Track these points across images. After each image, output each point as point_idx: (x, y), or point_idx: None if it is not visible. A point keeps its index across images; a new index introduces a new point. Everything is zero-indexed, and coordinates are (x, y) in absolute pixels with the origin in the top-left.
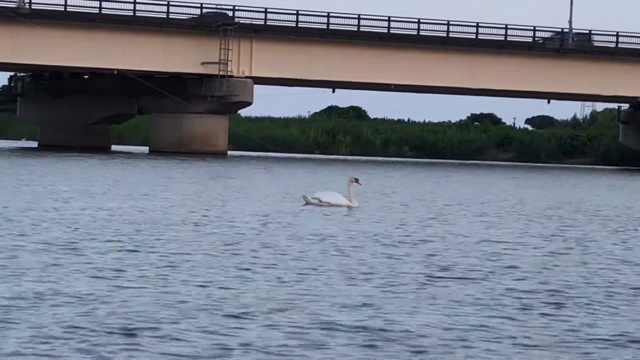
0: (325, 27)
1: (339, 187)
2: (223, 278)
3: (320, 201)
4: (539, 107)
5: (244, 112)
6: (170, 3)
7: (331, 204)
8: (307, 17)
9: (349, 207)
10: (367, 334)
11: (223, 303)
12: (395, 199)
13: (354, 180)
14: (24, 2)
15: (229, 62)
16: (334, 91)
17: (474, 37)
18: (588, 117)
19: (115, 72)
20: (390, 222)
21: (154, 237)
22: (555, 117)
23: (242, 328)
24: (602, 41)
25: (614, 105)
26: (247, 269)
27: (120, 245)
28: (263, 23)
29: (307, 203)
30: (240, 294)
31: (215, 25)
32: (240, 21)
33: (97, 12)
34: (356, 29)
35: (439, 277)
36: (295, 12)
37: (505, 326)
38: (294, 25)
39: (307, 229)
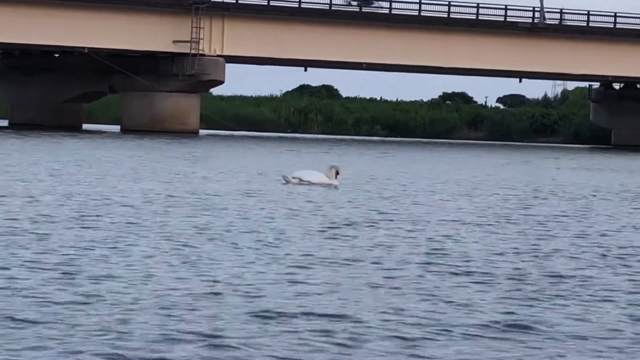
0: (297, 6)
1: (316, 166)
2: (191, 259)
3: (301, 180)
4: (511, 86)
5: (215, 91)
6: None
7: (312, 182)
8: None
9: (330, 186)
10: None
11: (193, 284)
12: (370, 178)
13: (335, 169)
14: None
15: (201, 41)
16: (306, 70)
17: (446, 15)
18: (559, 95)
19: (86, 51)
20: (361, 201)
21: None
22: (527, 96)
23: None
24: (573, 20)
25: (585, 84)
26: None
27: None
28: (235, 1)
29: (287, 182)
30: (205, 275)
31: (186, 4)
32: None
33: None
34: (328, 8)
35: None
36: None
37: (446, 314)
38: (266, 3)
39: (285, 208)
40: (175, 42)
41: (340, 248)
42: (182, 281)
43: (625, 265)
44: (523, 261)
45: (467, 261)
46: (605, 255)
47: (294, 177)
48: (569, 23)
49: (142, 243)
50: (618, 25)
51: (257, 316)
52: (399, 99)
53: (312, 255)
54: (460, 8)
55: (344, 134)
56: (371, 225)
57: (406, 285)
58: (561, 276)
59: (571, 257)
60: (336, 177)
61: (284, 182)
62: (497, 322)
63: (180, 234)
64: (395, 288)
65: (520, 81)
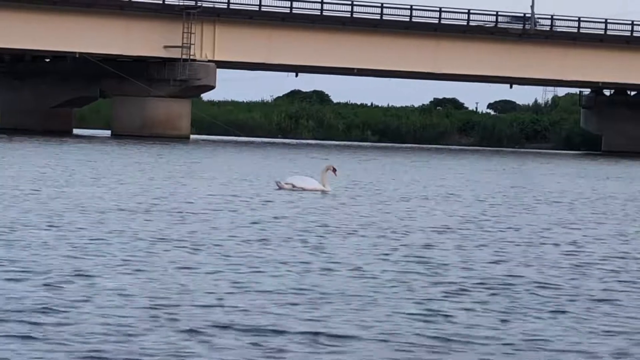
0: (288, 12)
1: (308, 172)
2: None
3: (294, 186)
4: (501, 92)
5: (206, 96)
6: None
7: (305, 189)
8: (270, 0)
9: (323, 192)
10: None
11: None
12: (361, 184)
13: (331, 168)
14: None
15: (192, 46)
16: (297, 75)
17: (437, 21)
18: (550, 102)
19: (77, 56)
20: (349, 208)
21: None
22: (517, 102)
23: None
24: (563, 26)
25: (576, 90)
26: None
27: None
28: (226, 7)
29: (280, 188)
30: (182, 283)
31: (178, 9)
32: (203, 5)
33: None
34: (319, 14)
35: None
36: None
37: (424, 325)
38: (257, 9)
39: (277, 214)
40: (166, 47)
41: (321, 255)
42: (142, 290)
43: (608, 274)
44: (502, 270)
45: (446, 270)
46: (585, 264)
47: (286, 183)
48: (559, 29)
49: (114, 249)
50: (608, 32)
51: (226, 328)
52: (390, 105)
53: (287, 262)
54: (451, 14)
55: (335, 140)
56: (353, 233)
57: (383, 296)
58: (542, 286)
59: (552, 266)
60: (334, 173)
61: (276, 188)
62: (475, 333)
63: (160, 241)
64: (371, 297)
65: (511, 87)
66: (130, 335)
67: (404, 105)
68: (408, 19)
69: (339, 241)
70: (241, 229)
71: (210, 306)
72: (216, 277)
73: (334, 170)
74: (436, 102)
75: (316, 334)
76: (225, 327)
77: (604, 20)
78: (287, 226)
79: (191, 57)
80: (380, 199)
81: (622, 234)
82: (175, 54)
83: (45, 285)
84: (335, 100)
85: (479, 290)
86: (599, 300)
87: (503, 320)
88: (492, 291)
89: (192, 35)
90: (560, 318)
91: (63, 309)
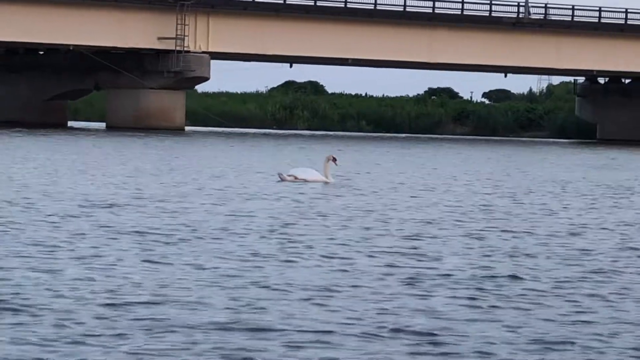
0: (282, 2)
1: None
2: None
3: (296, 178)
4: (496, 81)
5: (201, 88)
6: None
7: (307, 180)
8: None
9: (326, 183)
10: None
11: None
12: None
13: (331, 158)
14: None
15: (186, 38)
16: (291, 66)
17: (431, 11)
18: (544, 90)
19: (71, 48)
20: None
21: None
22: (512, 91)
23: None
24: (557, 15)
25: (570, 79)
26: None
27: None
28: None
29: (282, 180)
30: (166, 277)
31: (171, 0)
32: None
33: None
34: (313, 4)
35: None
36: None
37: (409, 318)
38: (251, 0)
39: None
40: (160, 38)
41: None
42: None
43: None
44: (491, 261)
45: (434, 262)
46: (574, 255)
47: (289, 175)
48: (553, 18)
49: (88, 243)
50: (602, 20)
51: (206, 325)
52: (385, 95)
53: (263, 254)
54: (445, 3)
55: (329, 130)
56: (345, 224)
57: (368, 289)
58: (529, 277)
59: (537, 257)
60: (335, 163)
61: (279, 180)
62: (459, 327)
63: (147, 233)
64: (356, 290)
65: (505, 76)
66: (93, 336)
67: (398, 95)
68: (402, 9)
69: (329, 233)
70: (235, 222)
71: (190, 302)
72: (199, 271)
73: (334, 160)
74: (431, 92)
75: (300, 329)
76: (204, 324)
77: (597, 9)
78: (284, 218)
79: (185, 48)
80: (376, 189)
81: (612, 223)
82: (169, 45)
83: (6, 280)
84: (329, 91)
85: (467, 282)
86: (587, 294)
87: (491, 313)
88: (479, 283)
89: (185, 26)
90: (548, 310)
91: (25, 305)
